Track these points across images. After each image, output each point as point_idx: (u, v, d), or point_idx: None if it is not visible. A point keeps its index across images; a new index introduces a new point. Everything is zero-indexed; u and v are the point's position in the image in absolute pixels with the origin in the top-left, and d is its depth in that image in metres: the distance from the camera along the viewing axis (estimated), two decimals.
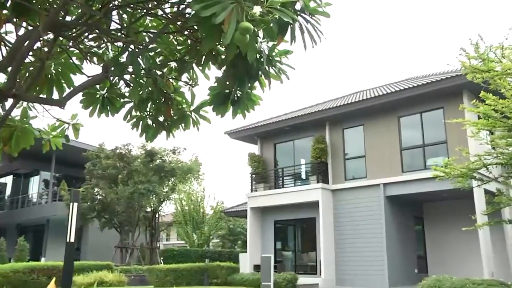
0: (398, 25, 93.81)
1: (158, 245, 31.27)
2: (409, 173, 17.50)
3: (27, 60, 3.77)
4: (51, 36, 3.72)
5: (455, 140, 16.02)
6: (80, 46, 3.99)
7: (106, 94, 4.16)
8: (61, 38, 3.87)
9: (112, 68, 3.75)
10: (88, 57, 4.08)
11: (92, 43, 4.07)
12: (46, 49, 3.75)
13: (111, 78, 4.00)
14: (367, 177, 18.74)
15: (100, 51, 4.17)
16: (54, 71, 4.05)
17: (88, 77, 3.87)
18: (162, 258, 28.38)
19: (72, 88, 3.98)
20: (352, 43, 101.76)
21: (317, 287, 17.62)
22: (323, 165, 19.64)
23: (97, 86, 4.11)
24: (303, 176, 21.18)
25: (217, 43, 3.34)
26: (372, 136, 19.00)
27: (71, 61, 4.05)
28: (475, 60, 12.01)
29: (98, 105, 4.15)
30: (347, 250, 18.48)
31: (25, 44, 3.38)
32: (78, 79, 4.06)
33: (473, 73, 11.83)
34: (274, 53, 3.50)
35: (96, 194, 28.16)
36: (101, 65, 3.90)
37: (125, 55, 3.73)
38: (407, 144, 18.16)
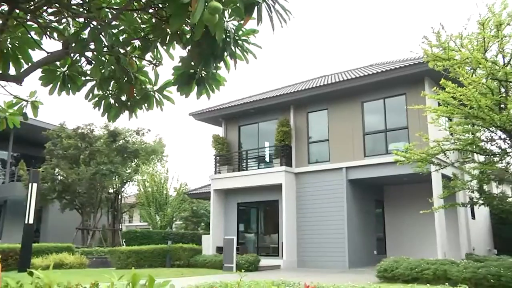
0: (365, 11, 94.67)
1: (120, 227, 30.96)
2: (371, 158, 17.87)
3: None
4: (6, 7, 3.56)
5: (416, 126, 16.43)
6: (39, 20, 3.83)
7: (67, 71, 4.03)
8: (17, 11, 3.70)
9: (73, 45, 3.63)
10: (48, 32, 3.92)
11: (52, 17, 3.92)
12: (0, 21, 3.59)
13: (72, 55, 3.87)
14: (330, 160, 19.03)
15: (61, 27, 4.02)
16: (10, 46, 3.88)
17: (48, 53, 3.73)
18: (124, 240, 28.14)
19: (30, 64, 3.83)
20: (319, 27, 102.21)
21: (279, 269, 17.90)
22: (287, 148, 19.80)
23: (57, 63, 3.98)
24: (267, 159, 21.32)
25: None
26: (336, 120, 19.25)
27: (29, 35, 3.89)
28: (437, 48, 12.30)
29: (59, 83, 4.02)
30: (309, 233, 18.81)
31: None
32: (36, 55, 3.91)
33: (435, 61, 12.13)
34: (240, 32, 3.47)
35: (57, 174, 27.56)
36: (62, 41, 3.77)
37: (86, 31, 3.61)
38: (370, 129, 18.50)
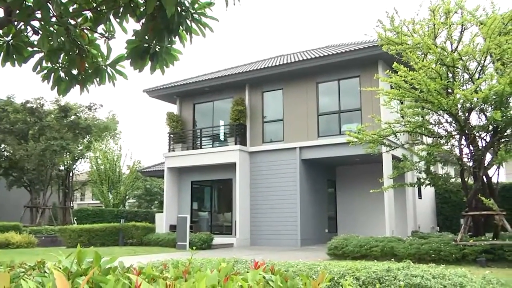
0: None
1: (71, 205, 30.25)
2: (325, 138, 18.16)
3: None
4: None
5: (369, 108, 16.80)
6: None
7: (11, 41, 3.81)
8: None
9: (17, 12, 3.43)
10: None
11: None
12: None
13: (16, 23, 3.66)
14: (284, 140, 19.20)
15: None
16: None
17: None
18: (75, 218, 27.54)
19: None
20: (278, 6, 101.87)
21: (232, 247, 18.06)
22: (241, 127, 19.80)
23: (0, 31, 3.75)
24: (222, 138, 21.28)
25: None
26: (290, 100, 19.38)
27: None
28: (390, 33, 12.57)
29: (2, 53, 3.80)
30: (262, 211, 19.02)
31: None
32: None
33: (388, 44, 12.41)
34: (196, 6, 3.39)
35: (3, 150, 26.50)
36: (3, 7, 3.55)
37: None
38: (324, 110, 18.75)
